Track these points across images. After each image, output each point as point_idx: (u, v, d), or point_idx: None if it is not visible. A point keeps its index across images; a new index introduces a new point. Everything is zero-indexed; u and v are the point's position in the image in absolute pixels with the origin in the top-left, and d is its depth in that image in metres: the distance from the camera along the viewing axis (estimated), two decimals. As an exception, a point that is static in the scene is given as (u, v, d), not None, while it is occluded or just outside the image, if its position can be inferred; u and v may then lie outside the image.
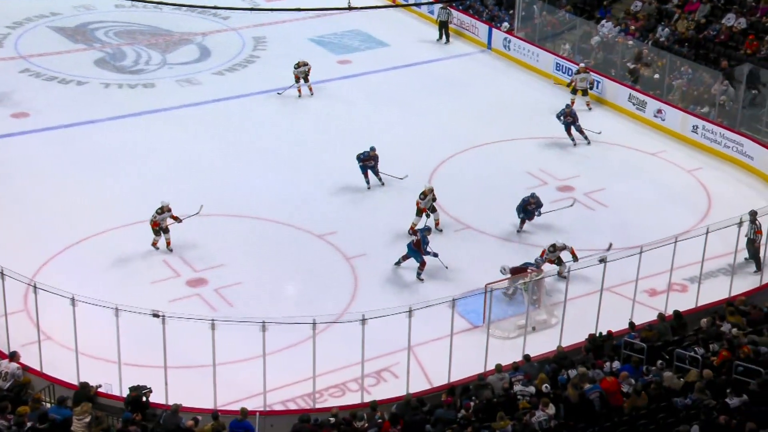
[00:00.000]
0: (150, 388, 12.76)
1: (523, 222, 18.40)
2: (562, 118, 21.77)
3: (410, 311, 13.22)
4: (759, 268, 17.05)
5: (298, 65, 24.23)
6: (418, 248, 16.88)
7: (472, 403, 12.56)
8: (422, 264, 16.90)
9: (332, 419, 12.38)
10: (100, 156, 21.35)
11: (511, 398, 12.62)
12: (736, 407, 11.76)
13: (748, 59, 22.74)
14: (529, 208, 18.21)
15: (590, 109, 23.60)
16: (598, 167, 21.18)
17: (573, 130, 21.81)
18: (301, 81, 24.20)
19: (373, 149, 19.89)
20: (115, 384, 13.36)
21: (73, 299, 13.19)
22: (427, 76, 26.12)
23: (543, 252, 16.64)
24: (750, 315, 14.35)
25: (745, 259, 17.09)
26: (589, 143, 21.76)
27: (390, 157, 21.43)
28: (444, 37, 27.97)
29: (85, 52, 27.28)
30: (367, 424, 12.29)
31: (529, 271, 15.97)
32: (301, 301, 16.60)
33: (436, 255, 16.93)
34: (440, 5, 27.69)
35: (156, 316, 12.97)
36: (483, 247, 18.04)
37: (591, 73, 23.84)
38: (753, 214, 16.89)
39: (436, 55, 27.50)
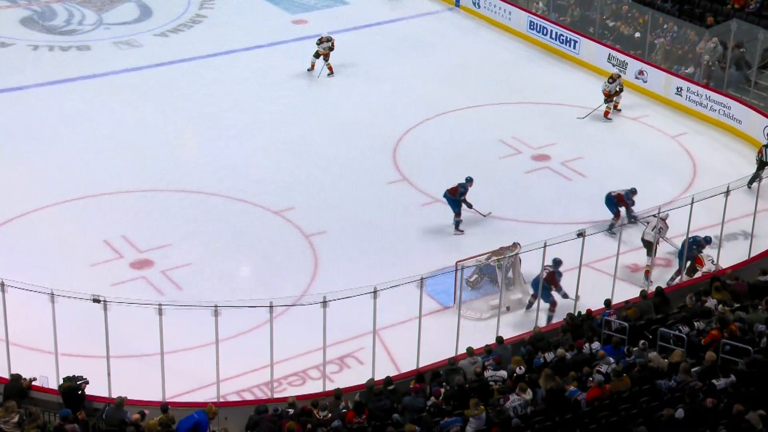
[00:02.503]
0: (86, 378, 12.67)
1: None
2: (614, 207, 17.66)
3: (375, 292, 13.26)
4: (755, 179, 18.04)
5: (320, 41, 23.39)
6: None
7: (442, 390, 12.68)
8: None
9: (291, 410, 12.41)
10: (29, 126, 21.01)
11: (484, 383, 12.75)
12: (723, 389, 12.00)
13: (736, 15, 22.98)
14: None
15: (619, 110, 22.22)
16: (575, 134, 21.34)
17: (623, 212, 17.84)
18: (321, 59, 23.25)
19: (470, 180, 17.74)
20: (51, 376, 13.24)
21: (2, 284, 13.03)
22: (391, 37, 26.04)
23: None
24: (732, 288, 14.60)
25: (748, 186, 17.98)
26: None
27: (352, 125, 21.43)
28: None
29: (8, 9, 26.76)
30: (330, 414, 12.35)
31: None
32: (256, 282, 16.58)
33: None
34: None
35: (97, 301, 12.85)
36: (451, 222, 18.10)
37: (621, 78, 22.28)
38: None
39: (400, 14, 27.41)
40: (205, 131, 21.14)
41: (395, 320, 14.84)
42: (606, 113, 21.82)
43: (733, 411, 11.35)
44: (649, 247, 16.21)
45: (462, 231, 17.52)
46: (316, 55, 23.49)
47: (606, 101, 21.76)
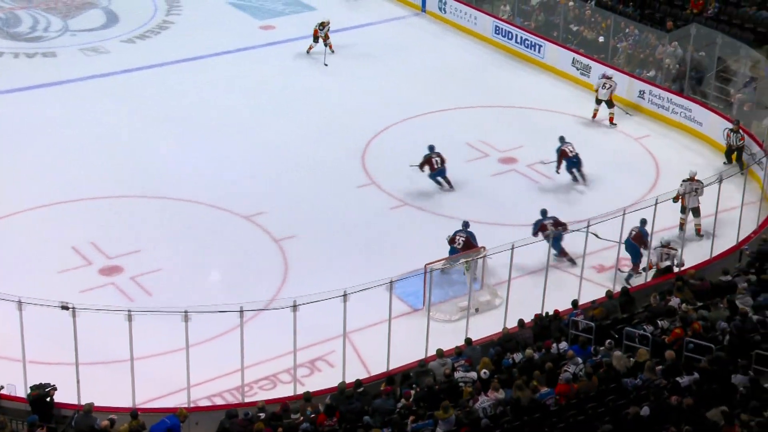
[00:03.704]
0: (54, 385, 12.52)
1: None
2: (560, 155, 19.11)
3: (345, 295, 13.25)
4: (743, 169, 18.33)
5: (322, 25, 24.38)
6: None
7: (412, 392, 12.69)
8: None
9: (261, 414, 12.36)
10: (-4, 134, 20.78)
11: (454, 385, 12.79)
12: (687, 386, 12.14)
13: (695, 19, 23.28)
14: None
15: (629, 114, 22.23)
16: (541, 137, 21.45)
17: (575, 171, 19.41)
18: (320, 41, 24.25)
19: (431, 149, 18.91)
20: (19, 384, 13.07)
21: (-30, 293, 12.86)
22: (358, 42, 26.05)
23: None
24: (695, 287, 14.77)
25: (724, 163, 19.04)
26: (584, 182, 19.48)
27: (320, 130, 21.40)
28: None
29: (-26, 17, 26.44)
30: (301, 417, 12.31)
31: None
32: (226, 287, 16.48)
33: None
34: None
35: (65, 308, 12.72)
36: (421, 225, 18.14)
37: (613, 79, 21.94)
38: (737, 124, 19.57)
39: (367, 19, 27.43)
40: (173, 137, 20.99)
41: (365, 323, 14.83)
42: (611, 119, 21.86)
43: (683, 405, 11.47)
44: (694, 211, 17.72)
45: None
46: (322, 40, 24.28)
47: (608, 106, 21.79)
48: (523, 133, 21.63)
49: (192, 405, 13.44)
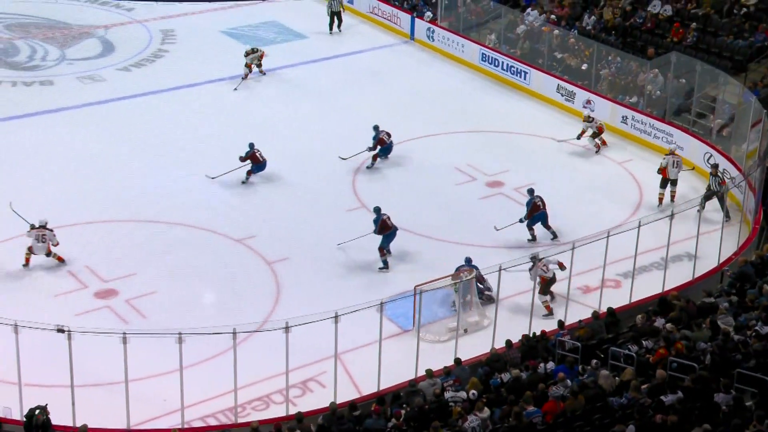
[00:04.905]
0: (43, 406, 12.40)
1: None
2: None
3: (336, 317, 13.24)
4: (729, 217, 18.52)
5: (247, 53, 24.47)
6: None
7: (403, 411, 12.65)
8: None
9: (256, 435, 12.31)
10: (-6, 160, 20.75)
11: (443, 404, 12.76)
12: (671, 404, 12.14)
13: (675, 47, 23.51)
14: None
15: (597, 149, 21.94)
16: (527, 161, 21.57)
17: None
18: (254, 69, 24.54)
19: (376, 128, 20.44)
20: (14, 407, 12.97)
21: (-34, 316, 12.78)
22: (347, 70, 26.18)
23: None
24: (685, 308, 14.82)
25: (698, 210, 17.69)
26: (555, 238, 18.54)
27: (311, 155, 21.45)
28: (337, 26, 28.03)
29: (-27, 47, 26.47)
30: (293, 438, 12.26)
31: (462, 272, 16.14)
32: (220, 309, 16.44)
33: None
34: None
35: (61, 331, 12.66)
36: (410, 247, 18.15)
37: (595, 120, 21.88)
38: (715, 167, 18.99)
39: (356, 47, 27.59)
40: (166, 162, 21.00)
41: (356, 344, 14.81)
42: (597, 147, 21.86)
43: (668, 423, 11.48)
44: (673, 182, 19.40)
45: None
46: (249, 69, 24.57)
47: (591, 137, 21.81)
48: (509, 157, 21.72)
49: (186, 426, 13.36)
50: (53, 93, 24.08)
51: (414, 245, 18.25)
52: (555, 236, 18.32)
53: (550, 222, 18.36)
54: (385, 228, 17.32)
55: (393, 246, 17.82)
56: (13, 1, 29.53)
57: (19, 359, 12.84)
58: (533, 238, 18.35)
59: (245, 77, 24.51)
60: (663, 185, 19.61)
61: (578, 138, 21.78)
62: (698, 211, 17.52)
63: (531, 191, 18.54)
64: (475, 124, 23.26)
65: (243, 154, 19.98)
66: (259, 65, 24.74)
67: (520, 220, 18.25)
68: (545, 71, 24.74)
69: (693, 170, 19.65)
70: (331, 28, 28.08)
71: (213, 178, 19.99)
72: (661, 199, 19.63)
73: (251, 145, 20.08)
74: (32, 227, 16.57)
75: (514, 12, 26.73)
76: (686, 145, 21.56)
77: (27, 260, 16.82)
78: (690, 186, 20.37)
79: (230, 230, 18.48)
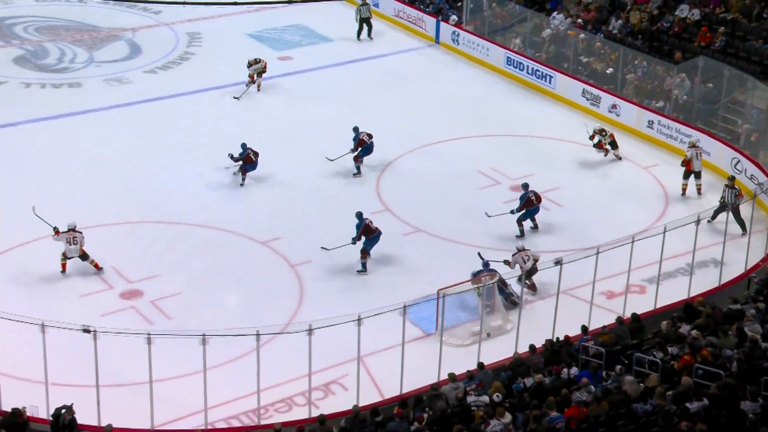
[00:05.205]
0: (69, 405, 12.48)
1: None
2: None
3: (359, 320, 13.23)
4: (744, 229, 18.08)
5: (250, 63, 24.11)
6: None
7: (425, 415, 12.62)
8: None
9: (278, 436, 12.32)
10: (22, 161, 20.94)
11: (466, 408, 12.71)
12: (696, 411, 12.02)
13: (702, 51, 23.31)
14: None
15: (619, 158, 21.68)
16: (551, 165, 21.46)
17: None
18: (257, 79, 24.17)
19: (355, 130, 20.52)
20: (41, 406, 13.09)
21: (-6, 316, 12.92)
22: (373, 73, 26.20)
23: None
24: (711, 315, 14.68)
25: (709, 221, 17.82)
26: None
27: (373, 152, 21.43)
28: (366, 34, 27.77)
29: (2, 49, 26.73)
30: (316, 440, 12.26)
31: (482, 276, 16.09)
32: (243, 311, 16.49)
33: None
34: (361, 2, 27.76)
35: (87, 331, 12.75)
36: (434, 251, 18.12)
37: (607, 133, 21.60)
38: (731, 180, 18.51)
39: (382, 51, 27.59)
40: (192, 164, 21.11)
41: (379, 347, 14.79)
42: (606, 150, 21.57)
43: (693, 431, 11.36)
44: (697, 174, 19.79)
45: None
46: (252, 80, 24.12)
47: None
48: (533, 161, 21.61)
49: (209, 427, 13.41)
50: (81, 95, 24.29)
51: (437, 249, 18.21)
52: (536, 227, 18.54)
53: (568, 221, 18.49)
54: (369, 232, 17.29)
55: (415, 250, 17.80)
56: (44, 4, 29.85)
57: (46, 358, 12.95)
58: (521, 234, 18.39)
59: (248, 86, 24.12)
60: (686, 176, 19.89)
61: (591, 138, 21.42)
62: (708, 222, 17.36)
63: (525, 186, 18.58)
64: (500, 128, 23.18)
65: (237, 155, 19.94)
66: (260, 75, 24.25)
67: (512, 212, 18.35)
68: (570, 75, 24.62)
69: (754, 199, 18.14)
70: (359, 35, 27.81)
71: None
72: (684, 189, 19.96)
73: (244, 146, 20.01)
74: (56, 230, 16.67)
75: (539, 16, 26.62)
76: (713, 150, 21.38)
77: (63, 266, 16.84)
78: (717, 192, 20.14)
79: (255, 232, 18.54)
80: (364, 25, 27.82)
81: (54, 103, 23.70)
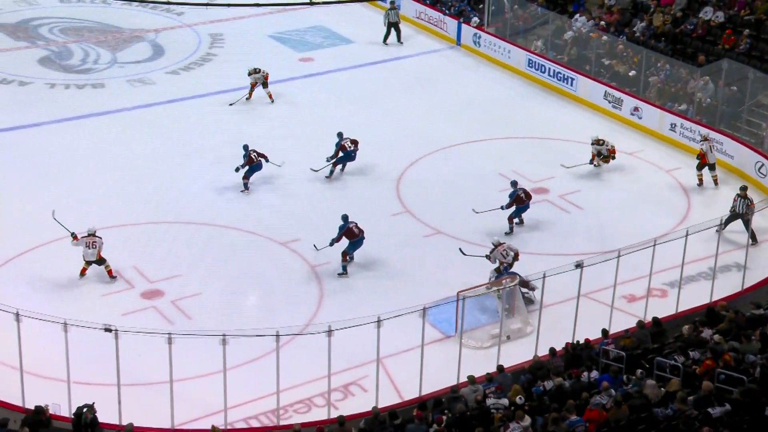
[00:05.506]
0: (90, 404, 12.56)
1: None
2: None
3: (379, 321, 13.23)
4: (755, 240, 17.95)
5: (250, 72, 23.85)
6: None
7: (444, 417, 12.59)
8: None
9: (297, 437, 12.34)
10: (45, 161, 21.11)
11: (485, 411, 12.68)
12: (718, 417, 11.92)
13: (726, 54, 23.13)
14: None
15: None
16: (573, 168, 21.36)
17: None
18: (259, 87, 23.86)
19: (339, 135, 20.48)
20: (63, 404, 13.18)
21: (17, 314, 13.01)
22: (394, 74, 26.20)
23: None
24: (734, 319, 14.56)
25: (718, 230, 17.19)
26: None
27: (356, 159, 21.46)
28: (396, 39, 27.64)
29: (28, 50, 26.97)
30: (334, 442, 12.27)
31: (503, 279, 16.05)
32: (263, 312, 16.53)
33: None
34: (389, 6, 27.74)
35: (108, 330, 12.84)
36: (454, 253, 18.08)
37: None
38: (744, 189, 18.23)
39: (403, 53, 27.59)
40: (212, 165, 21.19)
41: (398, 349, 14.78)
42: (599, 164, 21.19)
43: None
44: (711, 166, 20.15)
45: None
46: (252, 88, 23.83)
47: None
48: (555, 164, 21.51)
49: (228, 427, 13.45)
50: (104, 95, 24.46)
51: (457, 251, 18.15)
52: (521, 222, 18.69)
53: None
54: (351, 235, 17.28)
55: (435, 252, 17.79)
56: (69, 5, 30.11)
57: (68, 357, 13.04)
58: (511, 231, 18.47)
59: (249, 97, 23.78)
60: (700, 168, 20.24)
61: (591, 163, 20.90)
62: (717, 231, 17.15)
63: (514, 183, 18.71)
64: (521, 130, 23.11)
65: (242, 161, 19.74)
66: (264, 85, 23.82)
67: (501, 207, 18.45)
68: (592, 78, 24.50)
69: None
70: (386, 39, 27.61)
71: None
72: (701, 180, 20.29)
73: (245, 147, 19.93)
74: (74, 236, 16.73)
75: (561, 18, 26.51)
76: (737, 154, 21.22)
77: (83, 271, 16.92)
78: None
79: (275, 233, 18.58)
80: (392, 30, 27.72)
81: (77, 104, 23.88)
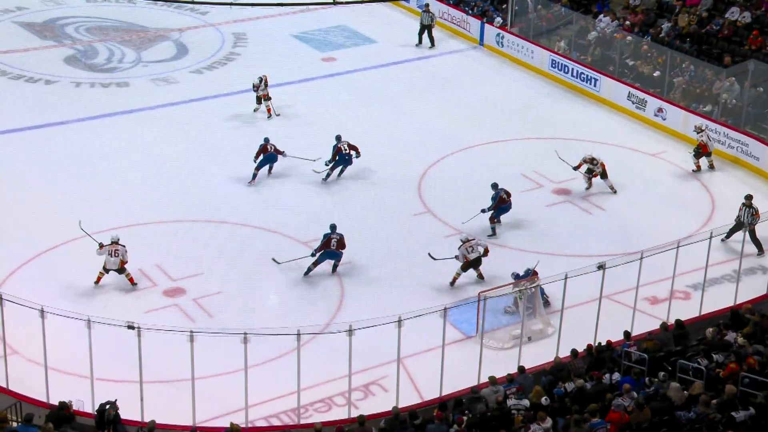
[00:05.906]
0: (113, 401, 12.65)
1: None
2: None
3: (399, 321, 13.22)
4: (762, 250, 17.72)
5: (255, 86, 23.15)
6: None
7: (465, 418, 12.57)
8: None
9: (317, 436, 12.36)
10: (70, 159, 21.29)
11: (506, 412, 12.64)
12: (742, 421, 11.81)
13: (753, 55, 22.90)
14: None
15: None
16: (565, 164, 21.17)
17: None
18: (270, 100, 23.30)
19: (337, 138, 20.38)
20: (87, 400, 13.29)
21: (42, 311, 13.13)
22: (416, 74, 26.18)
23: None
24: (761, 323, 14.43)
25: (723, 239, 17.44)
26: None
27: (378, 159, 21.49)
28: (429, 41, 27.50)
29: (54, 49, 27.20)
30: (355, 441, 12.28)
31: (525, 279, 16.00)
32: (284, 311, 16.58)
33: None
34: (423, 9, 27.70)
35: (131, 327, 12.92)
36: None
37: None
38: (749, 198, 17.69)
39: (426, 53, 27.56)
40: (236, 165, 21.27)
41: (419, 349, 14.78)
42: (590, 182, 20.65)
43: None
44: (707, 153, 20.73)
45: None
46: (260, 101, 23.26)
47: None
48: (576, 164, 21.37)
49: (249, 425, 13.50)
50: (128, 94, 24.63)
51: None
52: (499, 222, 18.70)
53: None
54: (327, 246, 17.17)
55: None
56: (94, 5, 30.34)
57: (92, 354, 13.15)
58: (494, 233, 18.44)
59: (267, 102, 23.29)
60: (698, 156, 20.81)
61: (575, 168, 20.20)
62: (722, 240, 17.03)
63: (495, 185, 18.67)
64: (544, 131, 23.02)
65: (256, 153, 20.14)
66: (267, 99, 23.21)
67: (482, 211, 18.43)
68: (616, 78, 24.37)
69: None
70: (419, 41, 27.54)
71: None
72: (698, 167, 20.89)
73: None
74: (100, 245, 16.78)
75: (585, 18, 26.39)
76: (763, 156, 21.02)
77: (99, 279, 16.84)
78: (765, 197, 19.79)
79: (297, 232, 18.63)
80: (425, 31, 27.53)
81: (102, 103, 24.06)
